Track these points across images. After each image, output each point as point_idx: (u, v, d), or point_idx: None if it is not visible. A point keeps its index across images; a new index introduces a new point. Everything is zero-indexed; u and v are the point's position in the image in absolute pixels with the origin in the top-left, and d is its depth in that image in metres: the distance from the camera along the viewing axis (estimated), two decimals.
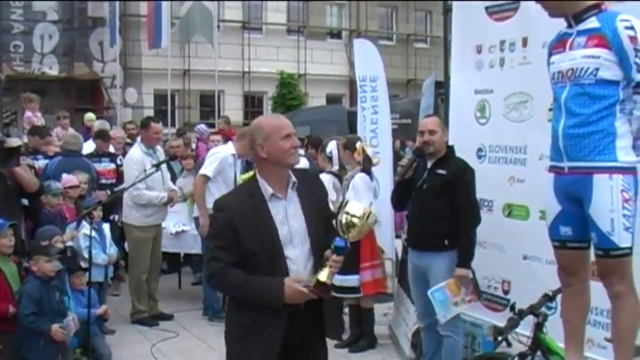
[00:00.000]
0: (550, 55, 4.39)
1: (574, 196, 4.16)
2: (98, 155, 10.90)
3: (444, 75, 7.64)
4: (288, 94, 32.84)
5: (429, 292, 6.10)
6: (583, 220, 4.14)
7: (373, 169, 7.82)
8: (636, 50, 3.93)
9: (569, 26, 4.23)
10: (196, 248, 9.78)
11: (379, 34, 38.07)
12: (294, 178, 4.12)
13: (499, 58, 6.49)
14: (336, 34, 38.70)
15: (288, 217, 4.05)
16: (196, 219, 9.12)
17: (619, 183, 4.00)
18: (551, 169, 4.35)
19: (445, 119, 7.06)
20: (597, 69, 4.01)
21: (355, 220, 4.01)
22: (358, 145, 7.58)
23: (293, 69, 35.08)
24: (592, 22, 4.09)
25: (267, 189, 4.04)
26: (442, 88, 8.74)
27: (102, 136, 11.39)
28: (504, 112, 6.35)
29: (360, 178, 7.46)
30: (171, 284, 10.77)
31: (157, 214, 8.96)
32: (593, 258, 4.31)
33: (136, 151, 9.00)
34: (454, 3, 7.17)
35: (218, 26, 29.69)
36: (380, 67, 8.56)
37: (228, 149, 8.95)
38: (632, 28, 3.95)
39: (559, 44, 4.29)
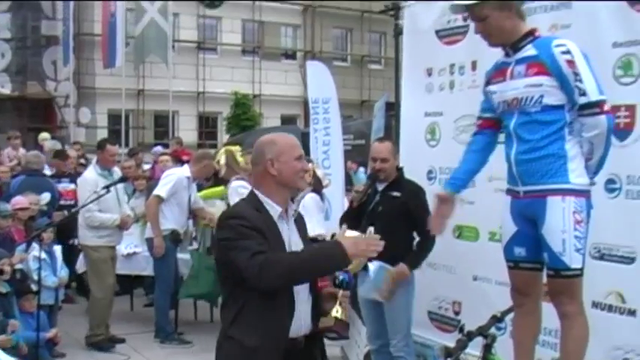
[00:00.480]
0: (488, 83, 4.46)
1: (529, 218, 4.23)
2: (57, 175, 10.79)
3: (395, 97, 7.71)
4: (243, 115, 32.79)
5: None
6: (537, 241, 4.21)
7: (325, 190, 7.83)
8: (575, 74, 4.01)
9: (507, 55, 4.30)
10: (148, 270, 9.68)
11: (334, 55, 38.31)
12: (294, 206, 3.97)
13: (449, 81, 6.57)
14: (290, 55, 38.86)
15: (291, 243, 3.79)
16: (148, 240, 9.05)
17: (571, 205, 4.07)
18: (508, 191, 4.42)
19: (396, 140, 7.12)
20: (542, 96, 4.09)
21: None
22: (310, 166, 7.61)
23: (248, 89, 35.12)
24: (529, 50, 4.17)
25: (275, 207, 3.75)
26: (394, 110, 8.81)
27: (60, 155, 11.26)
28: (454, 134, 6.42)
29: (310, 198, 7.45)
30: (123, 306, 10.65)
31: (110, 236, 8.87)
32: (544, 279, 4.37)
33: (91, 173, 8.92)
34: (405, 26, 7.26)
35: (173, 46, 29.61)
36: (332, 88, 8.60)
37: (183, 171, 8.91)
38: (568, 52, 4.04)
39: (498, 73, 4.36)
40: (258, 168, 3.81)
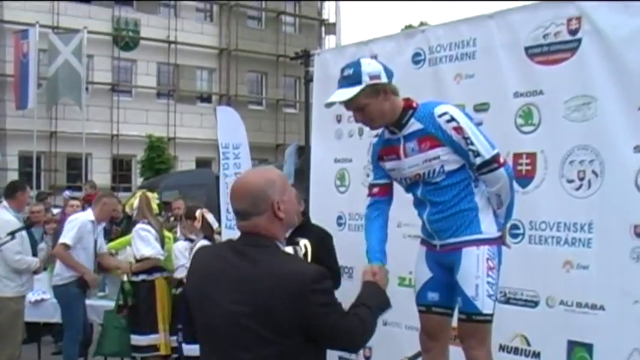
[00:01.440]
0: (380, 159, 4.44)
1: (445, 266, 4.31)
2: None
3: (305, 141, 7.77)
4: (157, 158, 32.51)
5: None
6: (451, 287, 4.28)
7: (234, 235, 7.79)
8: (465, 138, 4.08)
9: (392, 132, 4.31)
10: (57, 317, 9.44)
11: (249, 99, 38.55)
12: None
13: (358, 128, 6.62)
14: (206, 98, 38.91)
15: None
16: (55, 288, 8.82)
17: (485, 252, 4.16)
18: (423, 242, 4.48)
19: (307, 185, 7.15)
20: (442, 166, 4.15)
21: None
22: (197, 212, 7.57)
23: (162, 132, 34.93)
24: (414, 125, 4.19)
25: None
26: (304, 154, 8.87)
27: None
28: (363, 180, 6.47)
29: (202, 245, 7.36)
30: (30, 355, 10.34)
31: (29, 282, 8.64)
32: (454, 324, 4.42)
33: (6, 214, 8.66)
34: (315, 73, 7.33)
35: (87, 88, 29.32)
36: (243, 133, 8.60)
37: (87, 215, 8.73)
38: (452, 119, 4.10)
39: (389, 150, 4.35)
40: (264, 216, 3.12)
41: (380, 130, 4.44)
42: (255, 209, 3.10)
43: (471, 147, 4.08)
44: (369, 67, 4.14)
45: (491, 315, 4.19)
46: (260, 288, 2.97)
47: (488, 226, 4.21)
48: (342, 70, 4.21)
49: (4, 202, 8.85)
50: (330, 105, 4.42)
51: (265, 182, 3.13)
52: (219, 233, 8.04)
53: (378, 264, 4.19)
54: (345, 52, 7.00)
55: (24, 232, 8.21)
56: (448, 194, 4.20)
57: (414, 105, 4.25)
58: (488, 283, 4.14)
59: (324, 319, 3.00)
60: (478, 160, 4.09)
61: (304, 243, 4.08)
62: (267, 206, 3.10)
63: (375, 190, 4.51)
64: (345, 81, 4.15)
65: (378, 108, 4.16)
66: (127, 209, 9.12)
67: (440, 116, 4.12)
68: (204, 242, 7.29)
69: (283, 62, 38.13)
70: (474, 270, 4.14)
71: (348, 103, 4.19)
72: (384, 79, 4.14)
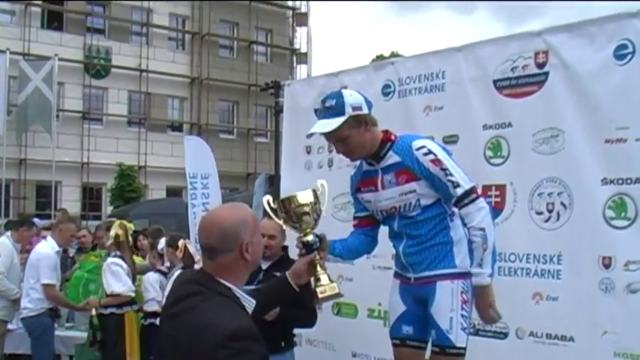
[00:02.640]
0: (358, 190, 4.44)
1: (419, 300, 4.29)
2: None
3: (275, 170, 7.75)
4: (127, 186, 32.33)
5: None
6: (424, 320, 4.26)
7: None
8: (443, 170, 4.09)
9: (370, 164, 4.32)
10: (22, 348, 9.30)
11: (220, 128, 38.56)
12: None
13: (327, 159, 6.65)
14: (177, 127, 38.86)
15: None
16: (24, 320, 8.70)
17: (459, 285, 4.16)
18: (397, 275, 4.46)
19: None
20: (418, 200, 4.16)
21: (306, 208, 3.91)
22: (180, 242, 7.50)
23: (133, 161, 34.81)
24: (392, 157, 4.21)
25: (250, 302, 3.14)
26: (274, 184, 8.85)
27: None
28: (333, 211, 6.46)
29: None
30: None
31: (6, 309, 8.53)
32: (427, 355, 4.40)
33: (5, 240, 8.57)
34: (285, 104, 7.33)
35: (57, 116, 29.10)
36: (212, 164, 8.58)
37: (51, 247, 8.54)
38: (430, 152, 4.12)
39: (367, 182, 4.36)
40: (230, 255, 3.01)
41: (357, 162, 4.44)
42: (224, 246, 3.00)
43: (450, 178, 4.09)
44: (351, 98, 4.15)
45: (464, 348, 4.18)
46: (184, 337, 2.90)
47: (462, 261, 4.20)
48: (324, 101, 4.22)
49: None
50: (310, 135, 4.41)
51: (238, 220, 3.03)
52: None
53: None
54: (315, 83, 7.03)
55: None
56: (424, 228, 4.20)
57: (393, 137, 4.26)
58: (462, 316, 4.15)
59: None
60: (459, 191, 4.10)
61: (322, 182, 4.05)
62: (236, 246, 3.00)
63: (355, 222, 4.55)
64: (328, 112, 4.15)
65: (360, 139, 4.17)
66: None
67: (418, 149, 4.14)
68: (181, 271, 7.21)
69: (254, 91, 38.31)
70: (448, 303, 4.14)
71: (330, 134, 4.19)
72: (365, 110, 4.16)
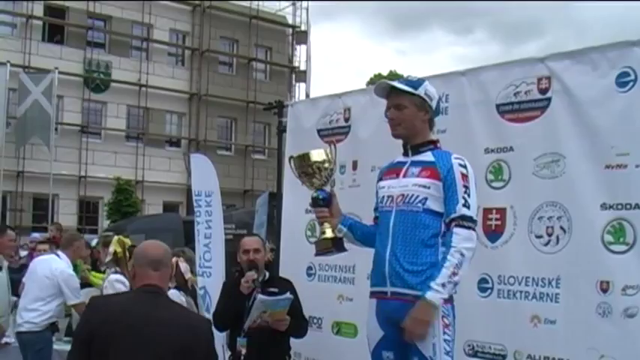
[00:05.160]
0: (380, 179, 4.58)
1: (397, 323, 4.24)
2: None
3: (277, 188, 7.79)
4: (125, 201, 32.32)
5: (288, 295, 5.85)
6: (404, 345, 4.24)
7: (207, 282, 7.74)
8: (465, 187, 4.20)
9: (405, 154, 4.47)
10: None
11: (218, 144, 38.59)
12: None
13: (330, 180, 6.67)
14: (175, 142, 38.90)
15: None
16: (26, 333, 8.66)
17: (440, 310, 4.15)
18: (373, 294, 4.46)
19: (277, 232, 7.17)
20: (426, 198, 4.23)
21: (326, 164, 4.53)
22: (173, 260, 7.42)
23: (130, 175, 34.81)
24: (427, 156, 4.35)
25: None
26: (276, 200, 8.86)
27: None
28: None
29: (170, 295, 7.10)
30: None
31: None
32: None
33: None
34: (288, 124, 7.36)
35: (56, 129, 29.15)
36: (215, 182, 8.59)
37: (65, 262, 8.50)
38: (465, 166, 4.26)
39: (391, 171, 4.50)
40: (168, 269, 4.21)
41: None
42: (167, 259, 4.10)
43: (465, 196, 4.18)
44: (429, 87, 4.45)
45: None
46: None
47: None
48: (407, 77, 4.59)
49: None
50: (380, 90, 4.54)
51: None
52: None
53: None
54: (319, 103, 7.08)
55: None
56: (415, 236, 4.23)
57: (438, 145, 4.45)
58: (445, 340, 4.17)
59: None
60: (464, 211, 4.17)
61: (332, 141, 4.54)
62: (170, 262, 4.10)
63: (374, 218, 4.68)
64: (405, 80, 4.49)
65: (413, 118, 4.38)
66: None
67: (456, 158, 4.29)
68: (173, 291, 7.11)
69: (253, 108, 38.37)
70: (429, 330, 4.13)
71: (393, 95, 4.42)
72: (433, 105, 4.45)
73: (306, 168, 4.58)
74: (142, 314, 3.80)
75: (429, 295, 4.08)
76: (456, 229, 4.17)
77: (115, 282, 7.78)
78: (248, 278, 5.93)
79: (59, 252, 8.61)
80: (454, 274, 4.10)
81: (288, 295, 5.79)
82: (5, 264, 8.78)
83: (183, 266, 7.34)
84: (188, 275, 7.43)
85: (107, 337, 3.67)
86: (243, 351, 5.73)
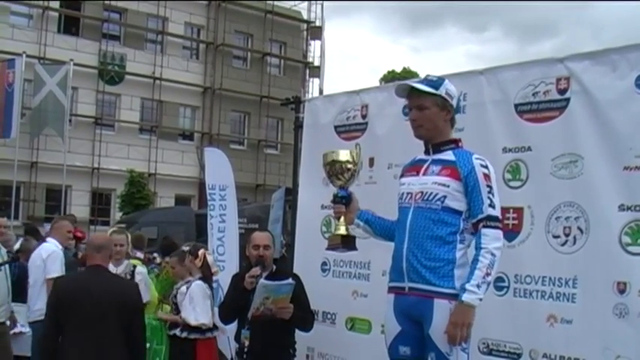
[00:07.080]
0: (402, 176, 4.60)
1: (414, 318, 4.29)
2: None
3: (293, 184, 7.78)
4: (137, 193, 32.32)
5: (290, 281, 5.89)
6: (421, 340, 4.27)
7: (220, 276, 7.77)
8: (489, 187, 4.22)
9: (427, 153, 4.48)
10: (25, 350, 9.32)
11: (231, 138, 38.60)
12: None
13: None
14: (188, 136, 38.96)
15: None
16: (31, 324, 8.69)
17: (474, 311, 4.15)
18: (391, 290, 4.48)
19: (292, 227, 7.18)
20: (445, 197, 4.25)
21: (350, 165, 4.63)
22: (201, 252, 7.46)
23: (143, 168, 34.85)
24: (448, 155, 4.36)
25: None
26: (290, 195, 8.87)
27: None
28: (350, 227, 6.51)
29: (196, 285, 7.11)
30: None
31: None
32: None
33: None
34: (305, 120, 7.37)
35: (70, 120, 29.23)
36: (230, 175, 8.63)
37: (56, 244, 8.47)
38: (486, 167, 4.28)
39: (412, 168, 4.52)
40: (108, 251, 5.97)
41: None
42: (108, 244, 5.88)
43: (490, 196, 4.21)
44: (449, 86, 4.46)
45: None
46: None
47: (460, 283, 4.20)
48: (427, 76, 4.55)
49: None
50: (401, 91, 4.57)
51: None
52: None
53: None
54: (336, 100, 7.09)
55: None
56: (433, 232, 4.25)
57: (460, 144, 4.46)
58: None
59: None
60: (491, 211, 4.20)
61: (357, 144, 4.64)
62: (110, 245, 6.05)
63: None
64: (425, 81, 4.48)
65: (435, 119, 4.40)
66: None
67: (477, 159, 4.31)
68: (199, 282, 7.12)
69: (266, 103, 38.35)
70: (446, 325, 4.14)
71: (414, 97, 4.43)
72: (454, 104, 4.48)
73: (332, 166, 4.66)
74: (91, 284, 5.58)
75: (466, 297, 4.10)
76: (484, 230, 4.19)
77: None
78: (252, 274, 5.97)
79: (47, 238, 8.61)
80: (487, 274, 4.13)
81: (290, 280, 5.82)
82: (4, 251, 8.79)
83: (211, 259, 7.37)
84: (214, 269, 7.44)
85: (70, 301, 5.46)
86: (247, 343, 5.77)
